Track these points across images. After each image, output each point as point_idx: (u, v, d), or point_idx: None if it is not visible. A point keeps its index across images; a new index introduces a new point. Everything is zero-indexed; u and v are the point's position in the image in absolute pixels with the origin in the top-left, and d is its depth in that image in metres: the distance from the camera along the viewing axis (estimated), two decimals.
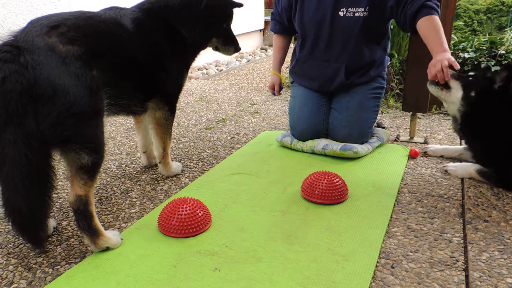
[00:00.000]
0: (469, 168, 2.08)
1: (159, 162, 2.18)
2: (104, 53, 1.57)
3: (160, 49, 1.88)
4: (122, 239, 1.60)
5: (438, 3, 2.21)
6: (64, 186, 2.14)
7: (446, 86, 2.10)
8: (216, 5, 2.04)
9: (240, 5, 2.14)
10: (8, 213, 1.40)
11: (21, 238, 1.54)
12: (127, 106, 1.84)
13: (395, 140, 2.72)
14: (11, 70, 1.28)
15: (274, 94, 2.82)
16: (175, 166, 2.25)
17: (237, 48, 2.27)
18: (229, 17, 2.17)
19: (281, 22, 2.64)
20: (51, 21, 1.45)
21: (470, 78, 2.08)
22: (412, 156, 2.40)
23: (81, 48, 1.43)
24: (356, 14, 2.34)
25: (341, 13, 2.36)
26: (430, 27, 2.15)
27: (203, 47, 2.17)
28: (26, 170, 1.31)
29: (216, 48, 2.26)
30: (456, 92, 2.08)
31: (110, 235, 1.56)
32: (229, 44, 2.24)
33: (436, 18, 2.16)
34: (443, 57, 2.08)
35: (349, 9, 2.35)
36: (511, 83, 1.93)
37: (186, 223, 1.61)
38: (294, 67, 2.66)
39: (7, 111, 1.28)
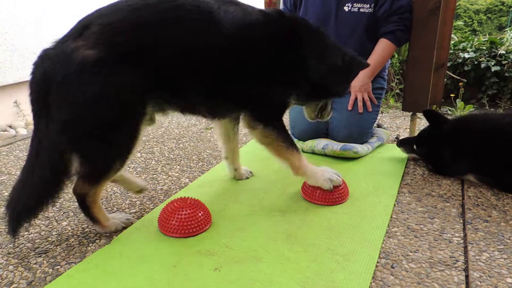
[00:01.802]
0: (468, 174, 2.08)
1: (296, 175, 1.82)
2: (153, 50, 1.43)
3: (265, 60, 1.61)
4: (124, 224, 1.68)
5: (408, 25, 2.40)
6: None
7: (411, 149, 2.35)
8: (352, 64, 1.77)
9: (367, 65, 1.84)
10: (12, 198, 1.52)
11: (6, 221, 1.53)
12: (194, 107, 1.68)
13: (395, 140, 2.72)
14: (34, 79, 1.42)
15: None
16: (322, 173, 1.83)
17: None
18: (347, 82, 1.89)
19: None
20: (87, 19, 1.43)
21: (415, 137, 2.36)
22: (413, 157, 2.40)
23: (101, 52, 1.34)
24: (361, 10, 2.36)
25: (346, 8, 2.38)
26: (377, 49, 2.41)
27: (318, 95, 1.83)
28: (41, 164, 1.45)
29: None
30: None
31: (108, 224, 1.65)
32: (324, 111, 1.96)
33: (387, 44, 2.38)
34: (364, 88, 2.45)
35: (354, 4, 2.37)
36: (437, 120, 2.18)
37: (186, 223, 1.61)
38: None
39: (33, 110, 1.46)
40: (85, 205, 1.59)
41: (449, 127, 2.13)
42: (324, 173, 1.83)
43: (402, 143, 2.38)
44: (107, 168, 1.49)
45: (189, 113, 1.72)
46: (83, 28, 1.39)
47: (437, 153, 2.15)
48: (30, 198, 1.49)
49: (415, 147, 2.29)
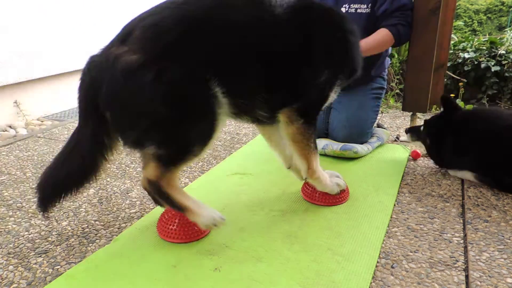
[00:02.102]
0: (468, 173, 2.08)
1: (308, 178, 1.79)
2: (198, 50, 1.38)
3: (313, 47, 1.55)
4: (217, 225, 1.52)
5: (409, 21, 2.37)
6: None
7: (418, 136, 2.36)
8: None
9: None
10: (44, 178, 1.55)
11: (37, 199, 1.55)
12: (250, 107, 1.58)
13: (395, 140, 2.72)
14: (82, 85, 1.44)
15: None
16: (330, 178, 1.82)
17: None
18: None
19: None
20: (132, 23, 1.41)
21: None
22: (414, 157, 2.40)
23: (146, 55, 1.31)
24: (359, 11, 2.35)
25: (343, 9, 2.37)
26: (374, 35, 2.31)
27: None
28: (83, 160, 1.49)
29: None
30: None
31: (201, 212, 1.50)
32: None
33: (386, 33, 2.29)
34: None
35: (351, 5, 2.37)
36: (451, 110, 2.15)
37: (186, 228, 1.59)
38: None
39: (79, 117, 1.49)
40: (163, 191, 1.48)
41: (459, 119, 2.11)
42: (332, 178, 1.83)
43: (410, 130, 2.40)
44: (185, 151, 1.43)
45: (244, 114, 1.61)
46: (127, 34, 1.37)
47: (442, 143, 2.14)
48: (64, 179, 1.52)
49: (422, 131, 2.28)
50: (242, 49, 1.45)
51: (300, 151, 1.70)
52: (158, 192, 1.49)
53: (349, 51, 1.67)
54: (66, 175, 1.51)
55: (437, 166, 2.27)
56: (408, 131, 2.43)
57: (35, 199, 1.55)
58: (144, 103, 1.34)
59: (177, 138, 1.42)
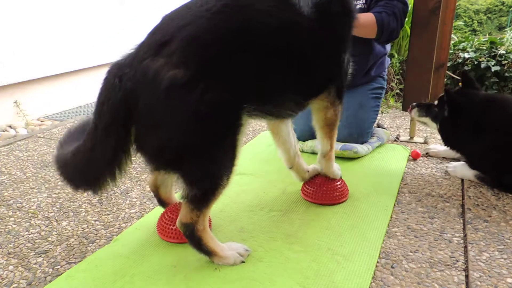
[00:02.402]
0: (468, 172, 2.08)
1: (324, 157, 1.84)
2: (241, 60, 1.31)
3: (338, 33, 1.58)
4: (244, 260, 1.47)
5: (395, 11, 2.25)
6: (64, 186, 2.14)
7: (428, 112, 2.26)
8: None
9: None
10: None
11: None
12: (278, 110, 1.56)
13: (395, 140, 2.72)
14: (110, 97, 1.29)
15: None
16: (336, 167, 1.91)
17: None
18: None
19: None
20: (165, 33, 1.27)
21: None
22: (414, 157, 2.40)
23: (188, 71, 1.21)
24: (357, 6, 2.35)
25: None
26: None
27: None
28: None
29: None
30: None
31: (226, 254, 1.45)
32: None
33: (370, 17, 2.23)
34: None
35: None
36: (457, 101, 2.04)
37: None
38: None
39: (97, 128, 1.33)
40: (196, 236, 1.41)
41: (474, 103, 2.01)
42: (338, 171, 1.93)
43: (418, 105, 2.28)
44: (216, 186, 1.36)
45: (267, 116, 1.57)
46: (161, 44, 1.25)
47: (452, 123, 2.06)
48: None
49: (434, 108, 2.19)
50: (279, 60, 1.40)
51: (329, 133, 1.77)
52: (191, 235, 1.41)
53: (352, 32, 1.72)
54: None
55: (448, 147, 2.18)
56: (415, 106, 2.30)
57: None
58: (185, 122, 1.25)
59: (209, 166, 1.34)
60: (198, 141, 1.29)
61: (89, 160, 1.37)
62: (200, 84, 1.22)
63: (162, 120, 1.25)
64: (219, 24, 1.28)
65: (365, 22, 2.22)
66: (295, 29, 1.41)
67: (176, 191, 1.81)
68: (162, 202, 1.74)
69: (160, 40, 1.26)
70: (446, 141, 2.17)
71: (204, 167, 1.33)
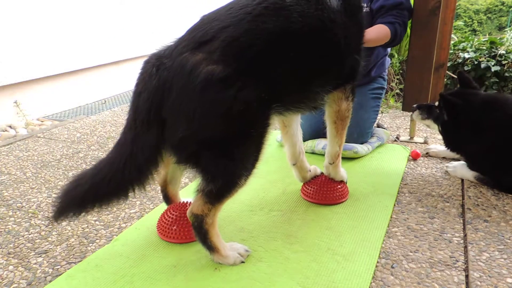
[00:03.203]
0: (467, 173, 2.08)
1: (331, 163, 1.87)
2: (279, 59, 1.36)
3: (358, 31, 1.65)
4: (243, 261, 1.48)
5: (405, 21, 2.33)
6: None
7: (429, 113, 2.24)
8: None
9: None
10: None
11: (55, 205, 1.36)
12: (304, 107, 1.61)
13: (395, 140, 2.72)
14: (146, 87, 1.30)
15: None
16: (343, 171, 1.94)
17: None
18: None
19: None
20: (206, 32, 1.30)
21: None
22: (414, 157, 2.40)
23: (227, 68, 1.24)
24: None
25: None
26: (372, 28, 2.30)
27: None
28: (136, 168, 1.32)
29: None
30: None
31: (227, 253, 1.46)
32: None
33: (384, 28, 2.28)
34: None
35: None
36: (454, 109, 2.03)
37: (186, 228, 1.59)
38: None
39: (135, 121, 1.33)
40: (203, 229, 1.42)
41: (472, 104, 2.00)
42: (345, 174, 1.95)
43: (420, 107, 2.27)
44: (233, 185, 1.38)
45: (286, 111, 1.59)
46: (203, 41, 1.28)
47: (452, 124, 2.06)
48: (89, 201, 1.34)
49: (435, 109, 2.17)
50: (315, 57, 1.45)
51: (342, 128, 1.79)
52: (199, 226, 1.42)
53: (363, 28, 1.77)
54: (111, 187, 1.33)
55: (449, 149, 2.17)
56: (416, 107, 2.28)
57: (56, 201, 1.35)
58: (216, 117, 1.26)
59: (230, 165, 1.34)
60: (224, 137, 1.31)
61: (130, 155, 1.32)
62: (237, 82, 1.25)
63: (193, 112, 1.26)
64: (260, 26, 1.32)
65: (381, 36, 2.29)
66: (330, 25, 1.45)
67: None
68: (168, 199, 1.73)
69: (201, 38, 1.29)
70: (447, 143, 2.16)
71: (225, 164, 1.34)
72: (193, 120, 1.26)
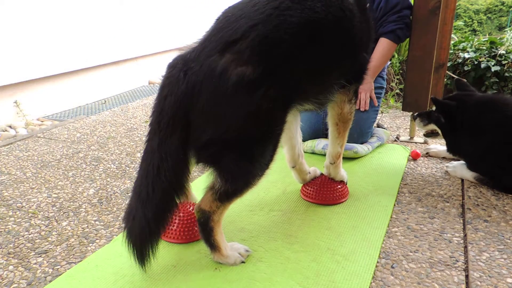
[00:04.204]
0: (467, 173, 2.08)
1: (332, 163, 1.88)
2: (304, 52, 1.35)
3: (367, 33, 1.67)
4: (243, 261, 1.47)
5: (407, 22, 2.41)
6: (64, 186, 2.14)
7: (429, 119, 2.25)
8: None
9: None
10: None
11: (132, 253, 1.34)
12: (320, 101, 1.61)
13: (395, 140, 2.72)
14: (173, 91, 1.28)
15: None
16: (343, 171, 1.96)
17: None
18: None
19: None
20: (235, 31, 1.28)
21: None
22: (413, 157, 2.40)
23: (257, 68, 1.23)
24: None
25: None
26: (377, 49, 2.41)
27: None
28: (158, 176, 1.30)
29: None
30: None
31: (228, 253, 1.46)
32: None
33: (387, 43, 2.41)
34: (367, 88, 2.45)
35: None
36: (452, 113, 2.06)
37: (186, 228, 1.59)
38: None
39: (159, 124, 1.31)
40: (209, 226, 1.41)
41: (468, 105, 2.02)
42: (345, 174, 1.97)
43: (419, 115, 2.28)
44: (246, 186, 1.39)
45: (315, 101, 1.60)
46: (231, 42, 1.27)
47: (450, 127, 2.08)
48: (152, 221, 1.31)
49: (435, 113, 2.18)
50: (336, 49, 1.46)
51: (344, 130, 1.80)
52: (205, 223, 1.42)
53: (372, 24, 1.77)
54: (160, 206, 1.32)
55: (451, 153, 2.17)
56: (417, 116, 2.30)
57: (131, 249, 1.32)
58: (245, 118, 1.27)
59: (249, 164, 1.35)
60: (250, 138, 1.31)
61: (161, 160, 1.29)
62: (266, 82, 1.25)
63: (224, 114, 1.26)
64: (288, 19, 1.30)
65: (385, 52, 2.41)
66: (350, 15, 1.47)
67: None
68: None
69: (230, 38, 1.27)
70: (448, 146, 2.17)
71: (245, 165, 1.35)
72: (223, 122, 1.27)
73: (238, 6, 1.38)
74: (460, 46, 3.93)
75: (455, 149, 2.14)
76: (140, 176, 1.36)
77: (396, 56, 3.94)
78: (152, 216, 1.30)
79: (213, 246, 1.44)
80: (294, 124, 1.86)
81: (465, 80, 2.31)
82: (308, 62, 1.38)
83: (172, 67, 1.33)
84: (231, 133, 1.29)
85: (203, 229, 1.43)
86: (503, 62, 3.59)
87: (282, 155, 2.47)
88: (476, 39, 4.01)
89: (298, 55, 1.33)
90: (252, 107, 1.26)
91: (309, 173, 1.96)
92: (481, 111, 1.99)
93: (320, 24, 1.37)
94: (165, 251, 1.54)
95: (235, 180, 1.36)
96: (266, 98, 1.26)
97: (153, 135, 1.33)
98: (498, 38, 4.01)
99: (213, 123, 1.28)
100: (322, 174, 1.96)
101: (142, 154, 1.38)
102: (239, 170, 1.34)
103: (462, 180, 2.09)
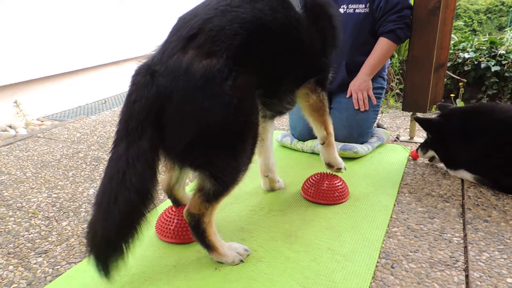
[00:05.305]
0: (467, 173, 2.08)
1: (322, 144, 1.88)
2: (258, 48, 1.38)
3: (326, 34, 1.72)
4: (242, 260, 1.47)
5: (408, 21, 2.41)
6: (64, 186, 2.14)
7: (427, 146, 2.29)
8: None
9: None
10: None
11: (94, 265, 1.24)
12: (278, 104, 1.64)
13: (395, 140, 2.72)
14: (142, 95, 1.25)
15: None
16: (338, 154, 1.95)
17: None
18: None
19: None
20: (191, 27, 1.30)
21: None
22: (413, 157, 2.40)
23: (221, 59, 1.25)
24: (357, 11, 2.37)
25: (341, 10, 2.39)
26: (376, 48, 2.42)
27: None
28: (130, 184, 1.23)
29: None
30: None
31: (226, 252, 1.45)
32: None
33: (387, 42, 2.40)
34: (364, 86, 2.44)
35: (349, 5, 2.39)
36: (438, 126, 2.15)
37: (186, 228, 1.59)
38: None
39: (127, 129, 1.26)
40: (200, 228, 1.40)
41: (458, 118, 2.09)
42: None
43: (420, 146, 2.30)
44: (233, 183, 1.38)
45: (268, 111, 1.65)
46: (189, 38, 1.28)
47: (446, 145, 2.13)
48: (115, 231, 1.23)
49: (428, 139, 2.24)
50: (284, 52, 1.49)
51: (320, 117, 1.81)
52: (196, 226, 1.41)
53: (337, 33, 1.80)
54: (123, 218, 1.23)
55: (449, 169, 2.19)
56: (417, 148, 2.33)
57: (96, 264, 1.22)
58: (221, 110, 1.25)
59: (232, 160, 1.34)
60: (230, 131, 1.31)
61: (127, 165, 1.22)
62: (232, 71, 1.26)
63: (199, 110, 1.25)
64: (241, 16, 1.35)
65: (384, 51, 2.40)
66: (295, 24, 1.50)
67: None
68: (177, 202, 1.70)
69: (187, 34, 1.29)
70: (445, 162, 2.20)
71: (230, 161, 1.34)
72: (201, 119, 1.25)
73: (192, 10, 1.42)
74: (460, 46, 3.93)
75: (452, 163, 2.16)
76: (103, 184, 1.26)
77: (396, 56, 3.94)
78: (115, 231, 1.22)
79: (209, 246, 1.43)
80: (269, 136, 1.91)
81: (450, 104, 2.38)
82: (262, 59, 1.40)
83: (136, 74, 1.31)
84: (213, 128, 1.27)
85: (196, 232, 1.42)
86: (503, 62, 3.59)
87: (281, 155, 2.48)
88: (476, 39, 4.01)
89: (253, 50, 1.36)
90: (225, 97, 1.25)
91: (278, 181, 2.02)
92: (469, 118, 2.06)
93: (268, 27, 1.41)
94: (165, 251, 1.54)
95: (224, 178, 1.35)
96: (237, 87, 1.26)
97: (120, 141, 1.26)
98: (498, 38, 4.01)
99: (192, 122, 1.26)
100: (322, 172, 1.95)
101: (107, 162, 1.28)
102: (227, 168, 1.34)
103: (462, 180, 2.09)
